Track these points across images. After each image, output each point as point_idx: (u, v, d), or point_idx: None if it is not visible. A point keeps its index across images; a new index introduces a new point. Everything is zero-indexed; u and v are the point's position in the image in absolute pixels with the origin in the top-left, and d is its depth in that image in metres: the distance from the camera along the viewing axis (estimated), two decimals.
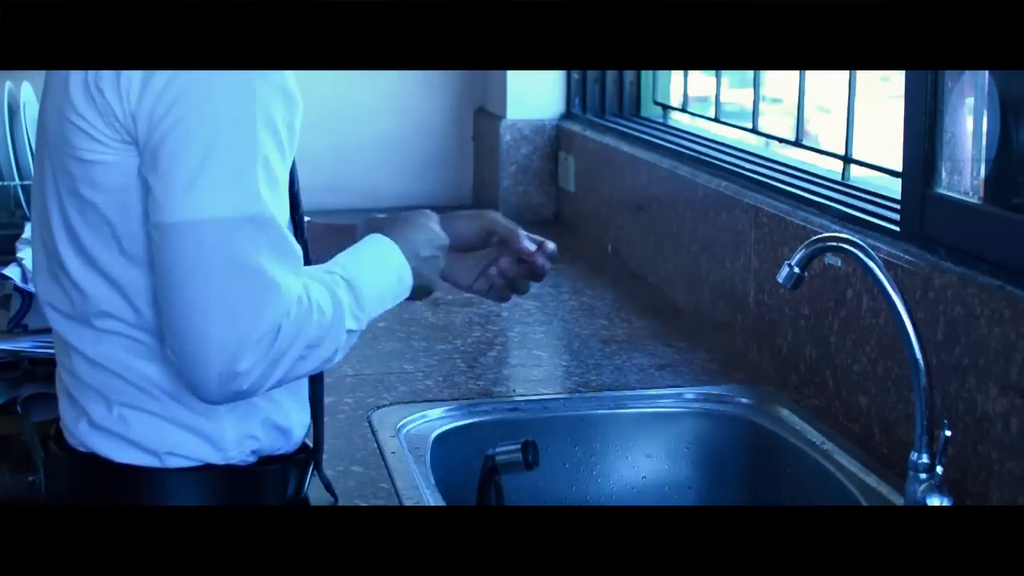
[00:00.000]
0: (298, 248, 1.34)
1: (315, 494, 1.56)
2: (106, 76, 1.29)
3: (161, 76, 1.27)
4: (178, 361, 1.30)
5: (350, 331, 1.38)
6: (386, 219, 1.57)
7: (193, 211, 1.27)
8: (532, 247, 1.65)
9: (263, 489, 1.44)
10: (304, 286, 1.34)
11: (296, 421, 1.47)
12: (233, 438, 1.40)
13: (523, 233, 1.65)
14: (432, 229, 1.55)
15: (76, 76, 1.31)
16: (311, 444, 1.52)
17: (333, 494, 1.61)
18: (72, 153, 1.33)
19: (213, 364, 1.27)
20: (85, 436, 1.39)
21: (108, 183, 1.32)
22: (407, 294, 1.50)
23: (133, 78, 1.28)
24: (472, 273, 1.67)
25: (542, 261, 1.65)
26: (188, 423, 1.38)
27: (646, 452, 2.08)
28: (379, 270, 1.46)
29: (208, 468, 1.40)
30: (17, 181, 2.90)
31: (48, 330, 1.46)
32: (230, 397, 1.31)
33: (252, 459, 1.43)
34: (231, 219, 1.27)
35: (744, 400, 2.10)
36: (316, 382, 1.50)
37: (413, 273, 1.49)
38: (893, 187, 2.07)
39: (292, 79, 1.34)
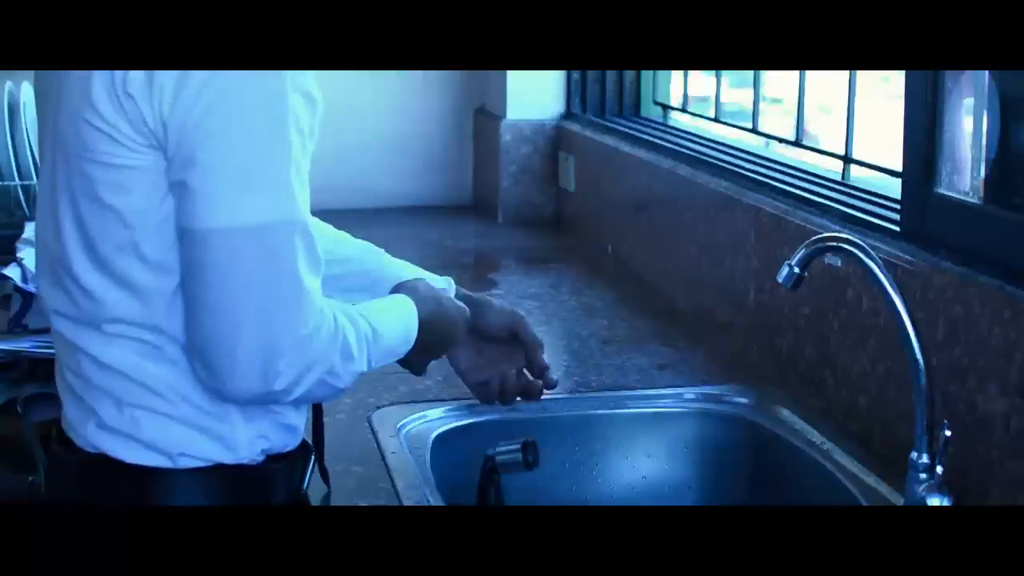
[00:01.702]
0: (322, 259, 1.37)
1: (314, 490, 1.56)
2: (136, 82, 1.28)
3: (194, 82, 1.27)
4: (209, 359, 1.32)
5: (360, 373, 1.42)
6: (423, 287, 1.64)
7: (234, 217, 1.29)
8: (547, 365, 1.80)
9: (270, 487, 1.45)
10: (334, 312, 1.38)
11: (303, 415, 1.49)
12: (245, 438, 1.40)
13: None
14: (458, 322, 1.66)
15: (98, 80, 1.29)
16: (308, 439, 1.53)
17: (327, 482, 1.64)
18: (93, 157, 1.31)
19: (249, 364, 1.31)
20: (93, 436, 1.39)
21: (131, 187, 1.32)
22: (405, 352, 1.57)
23: (166, 86, 1.27)
24: (473, 362, 1.80)
25: (543, 385, 1.81)
26: (200, 424, 1.38)
27: (646, 452, 2.08)
28: (397, 328, 1.52)
29: (218, 468, 1.40)
30: (17, 181, 2.89)
31: (49, 330, 1.46)
32: (262, 398, 1.35)
33: (261, 458, 1.43)
34: (271, 224, 1.30)
35: (744, 400, 2.10)
36: None
37: (417, 344, 1.56)
38: (893, 187, 2.07)
39: (314, 81, 1.35)
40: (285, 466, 1.46)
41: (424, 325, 1.56)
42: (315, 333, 1.33)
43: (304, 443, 1.50)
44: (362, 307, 1.48)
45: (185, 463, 1.39)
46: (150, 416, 1.37)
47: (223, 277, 1.30)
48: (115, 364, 1.37)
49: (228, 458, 1.40)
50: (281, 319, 1.31)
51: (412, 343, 1.55)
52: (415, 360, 1.62)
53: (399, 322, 1.53)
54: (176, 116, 1.28)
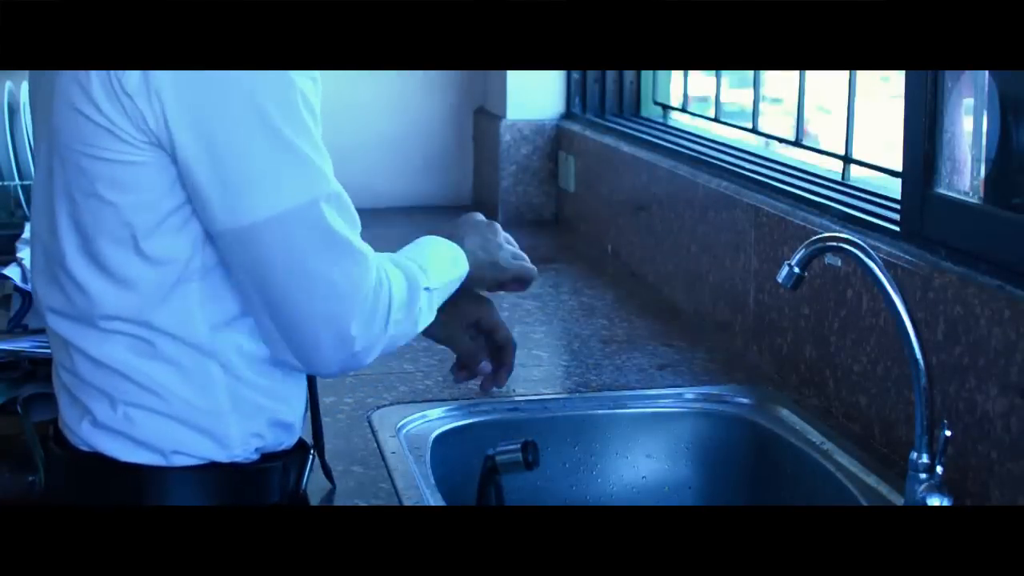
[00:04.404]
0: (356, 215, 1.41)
1: (315, 488, 1.56)
2: (133, 81, 1.27)
3: (197, 81, 1.27)
4: (290, 345, 1.36)
5: (427, 289, 1.47)
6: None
7: (275, 205, 1.30)
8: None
9: (265, 486, 1.45)
10: (379, 261, 1.41)
11: (298, 414, 1.48)
12: (239, 437, 1.41)
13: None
14: (482, 229, 1.64)
15: (96, 76, 1.29)
16: (306, 438, 1.53)
17: (331, 480, 1.64)
18: (92, 153, 1.31)
19: (327, 336, 1.35)
20: (88, 435, 1.39)
21: (133, 183, 1.32)
22: (466, 269, 1.59)
23: (163, 87, 1.27)
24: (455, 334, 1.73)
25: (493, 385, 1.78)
26: (194, 422, 1.38)
27: (646, 452, 2.08)
28: (429, 250, 1.55)
29: (213, 466, 1.40)
30: (17, 181, 2.89)
31: None
32: (349, 364, 1.38)
33: (256, 456, 1.43)
34: (311, 202, 1.32)
35: (744, 400, 2.10)
36: None
37: (467, 253, 1.58)
38: (893, 187, 2.07)
39: None
40: (280, 465, 1.46)
41: (468, 257, 1.59)
42: (376, 286, 1.37)
43: (301, 442, 1.50)
44: (404, 251, 1.53)
45: (179, 461, 1.39)
46: (144, 414, 1.37)
47: (282, 264, 1.32)
48: (109, 361, 1.37)
49: (222, 456, 1.40)
50: (343, 285, 1.35)
51: (464, 269, 1.58)
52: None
53: (446, 254, 1.56)
54: (184, 117, 1.27)
